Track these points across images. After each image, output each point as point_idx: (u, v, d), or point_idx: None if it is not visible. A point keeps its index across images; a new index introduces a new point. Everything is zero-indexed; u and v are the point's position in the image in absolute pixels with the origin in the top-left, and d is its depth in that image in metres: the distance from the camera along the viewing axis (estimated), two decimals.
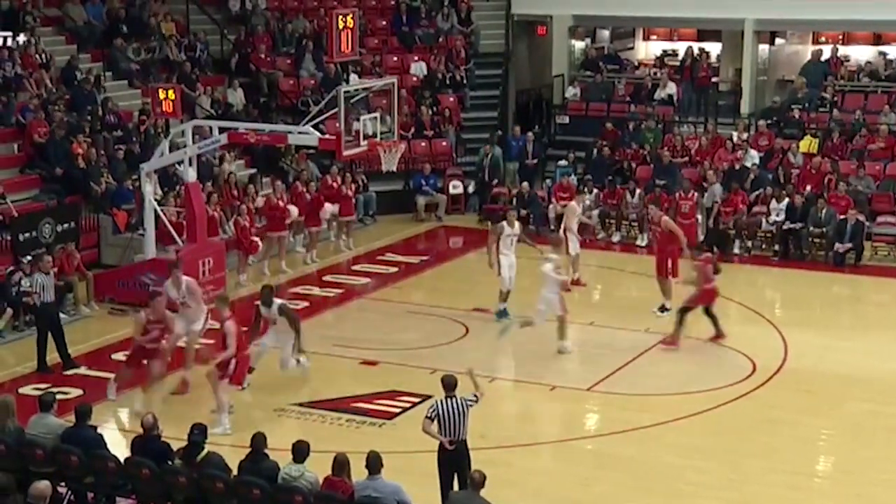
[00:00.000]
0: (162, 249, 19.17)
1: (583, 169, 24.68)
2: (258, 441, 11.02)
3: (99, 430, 11.82)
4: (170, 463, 11.11)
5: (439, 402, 11.39)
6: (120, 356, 15.95)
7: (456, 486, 11.09)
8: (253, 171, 23.64)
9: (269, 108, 25.54)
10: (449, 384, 11.47)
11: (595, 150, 25.10)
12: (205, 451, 11.07)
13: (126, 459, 11.21)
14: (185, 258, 18.69)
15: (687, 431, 14.18)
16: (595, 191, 23.49)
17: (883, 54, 27.47)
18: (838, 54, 27.21)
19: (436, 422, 11.31)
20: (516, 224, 18.31)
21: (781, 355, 16.71)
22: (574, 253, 19.53)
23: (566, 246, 19.29)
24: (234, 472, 10.94)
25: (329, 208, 21.86)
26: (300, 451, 10.73)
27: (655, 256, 18.47)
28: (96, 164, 21.04)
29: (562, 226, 19.84)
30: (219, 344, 14.36)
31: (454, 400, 11.33)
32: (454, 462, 11.21)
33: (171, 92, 19.69)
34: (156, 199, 19.43)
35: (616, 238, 23.37)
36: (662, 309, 18.08)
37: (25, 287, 17.01)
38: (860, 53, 28.23)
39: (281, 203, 21.03)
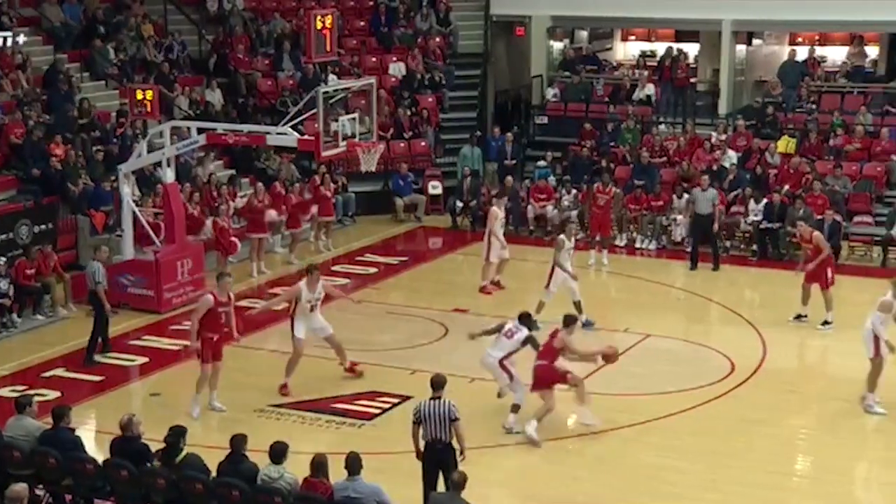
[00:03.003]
0: (140, 250, 19.11)
1: (562, 169, 24.72)
2: (237, 442, 10.98)
3: (77, 432, 11.75)
4: (149, 464, 11.06)
5: (423, 404, 11.39)
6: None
7: (441, 487, 11.07)
8: (232, 171, 23.58)
9: (248, 108, 25.47)
10: (437, 384, 11.47)
11: (572, 153, 25.14)
12: (184, 453, 11.03)
13: (104, 461, 11.16)
14: (162, 259, 18.69)
15: (667, 431, 14.22)
16: (574, 191, 23.55)
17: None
18: (815, 55, 27.35)
19: (421, 425, 11.32)
20: (573, 238, 18.25)
21: (760, 355, 16.77)
22: (497, 259, 19.62)
23: (487, 251, 19.41)
24: (214, 473, 10.90)
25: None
26: (279, 452, 10.70)
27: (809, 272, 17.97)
28: (74, 165, 20.93)
29: (486, 230, 19.79)
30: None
31: (438, 401, 11.33)
32: (439, 462, 11.19)
33: (148, 92, 19.65)
34: (134, 200, 19.36)
35: (596, 238, 23.38)
36: (825, 323, 17.84)
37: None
38: (837, 54, 28.38)
39: (260, 206, 20.98)
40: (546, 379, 13.86)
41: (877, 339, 14.42)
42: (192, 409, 14.28)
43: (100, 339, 16.72)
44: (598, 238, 21.69)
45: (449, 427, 11.25)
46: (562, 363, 13.97)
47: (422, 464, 11.39)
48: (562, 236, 17.97)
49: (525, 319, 14.44)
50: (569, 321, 14.24)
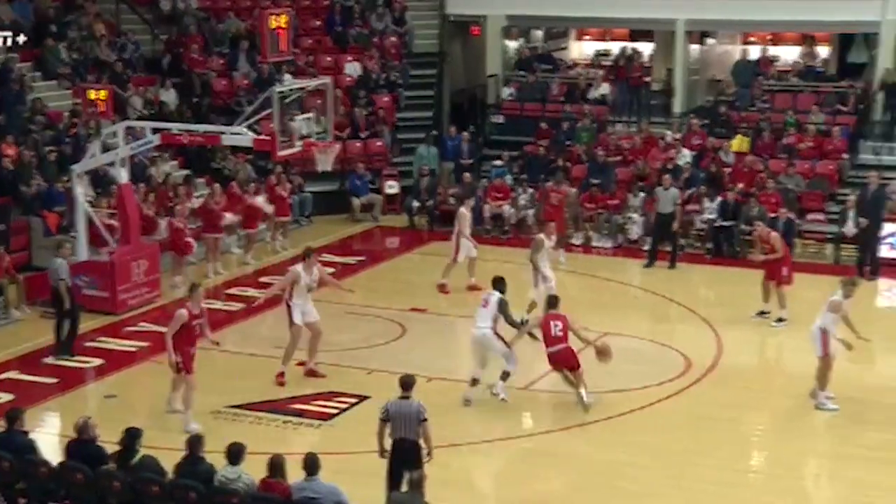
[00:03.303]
0: (94, 251, 18.95)
1: (518, 168, 24.78)
2: (194, 444, 10.92)
3: (31, 435, 11.64)
4: (104, 467, 10.96)
5: (392, 403, 11.40)
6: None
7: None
8: (187, 171, 23.43)
9: (203, 108, 25.33)
10: (406, 384, 11.48)
11: (528, 152, 25.22)
12: (140, 455, 10.95)
13: (60, 464, 11.05)
14: (117, 260, 18.54)
15: (624, 429, 14.28)
16: (530, 190, 23.63)
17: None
18: (767, 54, 27.60)
19: (388, 424, 11.34)
20: (553, 237, 18.30)
21: (715, 352, 16.90)
22: (468, 258, 19.70)
23: (455, 252, 19.52)
24: (170, 475, 10.83)
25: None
26: (236, 453, 10.65)
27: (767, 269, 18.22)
28: (27, 166, 20.71)
29: (455, 230, 19.85)
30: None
31: (407, 401, 11.35)
32: (405, 461, 11.18)
33: (102, 92, 19.51)
34: (87, 201, 19.19)
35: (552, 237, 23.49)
36: (779, 320, 18.02)
37: None
38: (789, 54, 28.66)
39: (216, 207, 20.87)
40: (571, 360, 14.57)
41: (824, 337, 14.55)
42: (188, 425, 13.65)
43: (59, 338, 16.60)
44: (558, 237, 21.70)
45: (417, 427, 11.28)
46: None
47: (387, 462, 11.38)
48: (541, 236, 18.01)
49: (497, 284, 15.07)
50: (552, 302, 14.87)
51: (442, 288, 19.72)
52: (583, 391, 14.49)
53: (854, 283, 15.07)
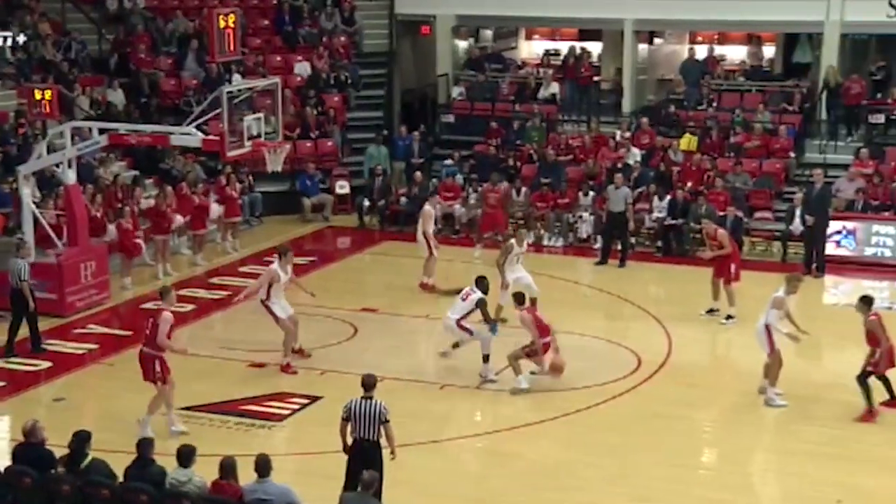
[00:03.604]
0: (41, 253, 18.74)
1: (469, 167, 24.82)
2: (144, 446, 10.83)
3: None
4: (53, 471, 10.86)
5: (354, 402, 11.37)
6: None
7: None
8: (135, 172, 23.24)
9: (151, 108, 25.13)
10: (368, 384, 11.47)
11: (479, 152, 25.28)
12: (89, 458, 10.85)
13: (7, 468, 10.92)
14: (65, 262, 18.36)
15: (575, 427, 14.36)
16: (481, 189, 23.68)
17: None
18: (714, 54, 27.85)
19: (350, 422, 11.33)
20: (525, 243, 18.47)
21: (665, 350, 17.02)
22: (429, 255, 19.75)
23: (428, 247, 19.64)
24: (120, 478, 10.74)
25: (216, 209, 21.72)
26: (186, 456, 10.58)
27: (715, 266, 18.36)
28: None
29: (419, 230, 19.90)
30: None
31: (370, 401, 11.33)
32: (365, 461, 11.15)
33: (47, 92, 19.30)
34: (34, 202, 18.98)
35: (485, 235, 23.58)
36: (728, 318, 18.13)
37: None
38: (735, 53, 28.93)
39: (167, 209, 20.71)
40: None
41: (770, 335, 14.71)
42: (144, 429, 13.23)
43: (11, 340, 16.50)
44: (491, 235, 22.33)
45: (378, 427, 11.28)
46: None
47: (347, 461, 11.36)
48: (512, 241, 18.14)
49: (479, 283, 15.79)
50: (519, 298, 15.45)
51: (432, 289, 19.61)
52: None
53: (797, 279, 15.24)
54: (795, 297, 15.06)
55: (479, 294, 15.64)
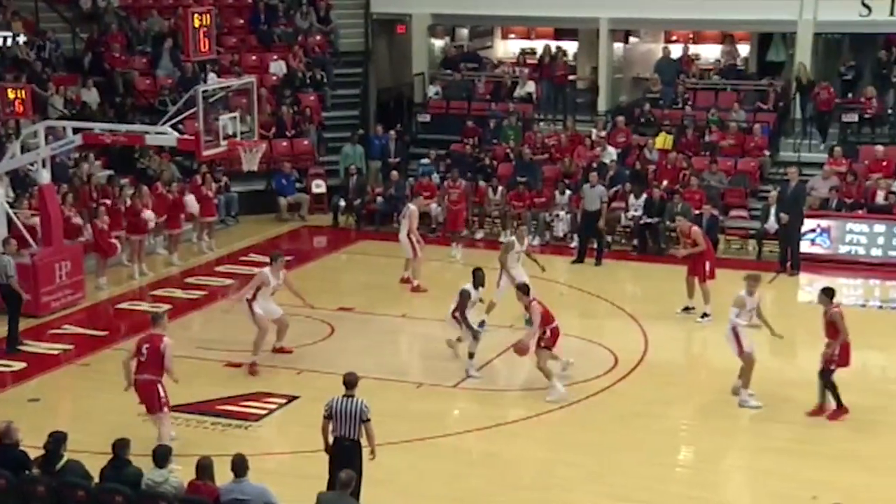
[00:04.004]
0: (17, 253, 18.60)
1: (445, 167, 24.82)
2: (120, 447, 10.78)
3: None
4: (28, 472, 10.79)
5: (336, 400, 11.36)
6: None
7: None
8: (110, 172, 23.13)
9: (126, 108, 25.01)
10: (349, 383, 11.46)
11: (455, 151, 25.30)
12: (64, 459, 10.80)
13: None
14: (39, 262, 18.25)
15: (553, 425, 14.39)
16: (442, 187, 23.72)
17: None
18: (689, 53, 27.95)
19: (331, 421, 11.32)
20: (525, 241, 18.48)
21: (642, 348, 17.07)
22: (414, 256, 19.78)
23: (412, 248, 19.67)
24: (96, 479, 10.69)
25: (192, 202, 21.59)
26: (163, 456, 10.56)
27: (690, 265, 18.40)
28: None
29: (405, 230, 19.87)
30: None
31: (351, 400, 11.31)
32: (344, 459, 11.14)
33: (21, 91, 19.18)
34: (8, 202, 18.87)
35: (479, 235, 23.62)
36: (704, 315, 18.16)
37: None
38: (710, 52, 29.04)
39: (142, 208, 20.60)
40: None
41: (737, 336, 14.76)
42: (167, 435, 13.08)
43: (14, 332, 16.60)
44: (450, 233, 22.45)
45: (359, 426, 11.28)
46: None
47: (328, 460, 11.34)
48: (512, 238, 18.20)
49: (475, 274, 16.02)
50: (525, 289, 15.62)
51: (416, 288, 19.64)
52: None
53: (756, 278, 15.03)
54: (757, 296, 14.97)
55: (465, 286, 15.79)
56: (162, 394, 13.13)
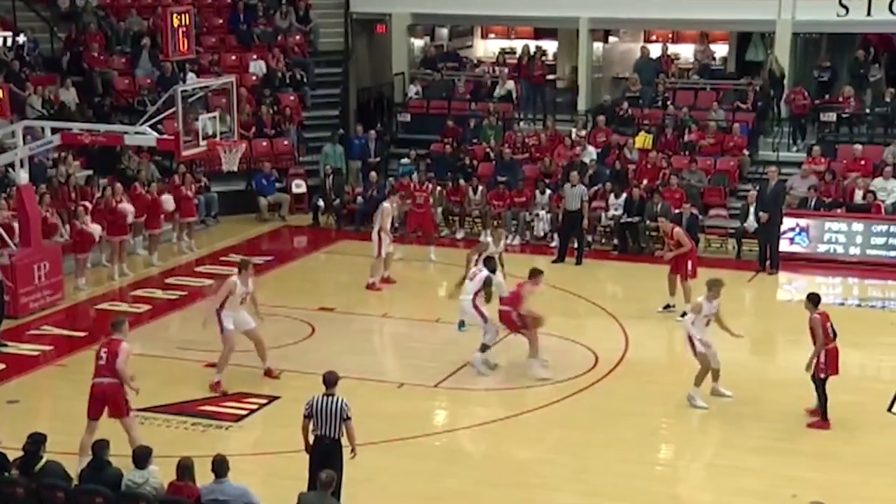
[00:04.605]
0: None
1: (425, 166, 24.82)
2: (100, 448, 10.74)
3: None
4: (6, 474, 10.74)
5: (316, 399, 11.34)
6: None
7: None
8: (89, 172, 23.03)
9: (104, 108, 24.91)
10: (329, 381, 11.44)
11: (435, 151, 25.31)
12: (44, 461, 10.75)
13: None
14: (18, 263, 18.16)
15: (534, 424, 14.40)
16: (437, 188, 23.69)
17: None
18: (668, 52, 28.02)
19: (311, 420, 11.29)
20: (502, 243, 18.56)
21: (622, 347, 17.11)
22: (385, 253, 19.76)
23: (378, 247, 19.61)
24: (76, 480, 10.65)
25: (169, 200, 21.51)
26: (142, 457, 10.52)
27: (672, 263, 18.37)
28: None
29: (376, 227, 19.87)
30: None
31: (331, 398, 11.29)
32: (324, 458, 11.12)
33: None
34: None
35: (460, 235, 23.61)
36: (684, 314, 18.12)
37: None
38: (689, 52, 29.13)
39: (119, 206, 20.49)
40: (506, 324, 15.82)
41: (691, 339, 14.80)
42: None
43: None
44: (419, 234, 22.34)
45: (339, 424, 11.24)
46: (525, 310, 15.53)
47: (308, 459, 11.32)
48: (487, 239, 18.30)
49: (487, 262, 16.28)
50: (533, 273, 15.75)
51: (371, 286, 19.63)
52: (535, 362, 15.74)
53: (718, 283, 14.98)
54: (719, 301, 14.90)
55: (486, 272, 15.99)
56: (127, 398, 12.78)
